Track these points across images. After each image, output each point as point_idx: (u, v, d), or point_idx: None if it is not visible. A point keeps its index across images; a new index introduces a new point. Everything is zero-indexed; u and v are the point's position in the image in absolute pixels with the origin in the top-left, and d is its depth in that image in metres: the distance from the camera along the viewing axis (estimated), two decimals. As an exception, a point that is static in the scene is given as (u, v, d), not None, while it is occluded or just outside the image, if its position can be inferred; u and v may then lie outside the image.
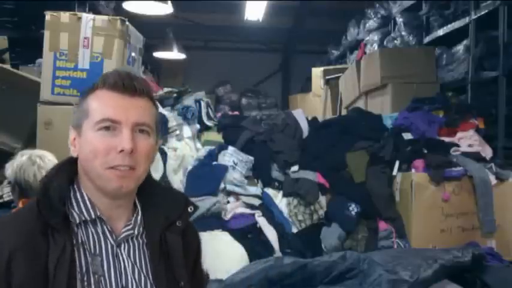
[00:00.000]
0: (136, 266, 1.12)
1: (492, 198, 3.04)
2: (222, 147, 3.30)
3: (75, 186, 1.13)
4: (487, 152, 3.33)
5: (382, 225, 3.03)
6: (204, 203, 2.85)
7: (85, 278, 1.05)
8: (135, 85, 1.10)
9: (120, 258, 1.11)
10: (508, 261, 2.85)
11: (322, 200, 3.13)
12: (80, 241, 1.08)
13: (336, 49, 8.17)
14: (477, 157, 3.21)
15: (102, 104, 1.09)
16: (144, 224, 1.16)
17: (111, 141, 1.07)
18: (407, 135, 3.40)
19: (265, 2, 6.66)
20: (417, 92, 4.07)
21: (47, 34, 3.16)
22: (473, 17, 4.07)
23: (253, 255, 2.69)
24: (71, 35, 3.13)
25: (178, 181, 3.15)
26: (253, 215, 2.96)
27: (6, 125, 3.39)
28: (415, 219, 3.00)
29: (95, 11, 5.26)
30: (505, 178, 3.13)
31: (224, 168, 3.12)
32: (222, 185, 3.06)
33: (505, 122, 3.76)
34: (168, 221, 1.17)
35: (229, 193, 3.08)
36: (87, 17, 3.17)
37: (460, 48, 4.32)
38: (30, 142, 3.24)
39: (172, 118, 3.53)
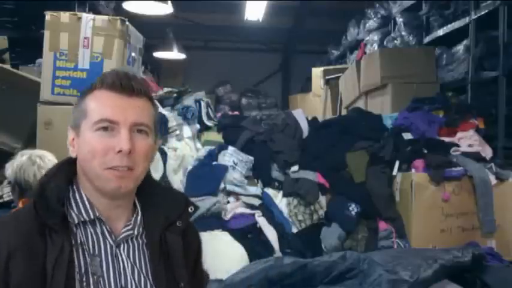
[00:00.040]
0: (136, 267, 1.11)
1: (492, 198, 3.04)
2: (222, 147, 3.30)
3: (74, 187, 1.13)
4: (487, 152, 3.33)
5: (382, 225, 3.03)
6: (204, 203, 2.85)
7: (84, 279, 1.05)
8: (132, 85, 1.10)
9: (120, 258, 1.10)
10: (508, 261, 2.85)
11: (322, 200, 3.13)
12: (79, 241, 1.08)
13: (336, 49, 8.17)
14: (477, 157, 3.21)
15: (100, 104, 1.09)
16: (144, 224, 1.16)
17: (109, 141, 1.06)
18: (407, 135, 3.40)
19: (265, 2, 6.66)
20: (417, 92, 4.07)
21: (47, 34, 3.16)
22: (473, 17, 4.07)
23: (253, 255, 2.69)
24: (71, 35, 3.14)
25: (178, 181, 3.15)
26: (253, 215, 2.96)
27: (6, 125, 3.39)
28: (415, 219, 2.99)
29: (95, 11, 5.26)
30: (505, 178, 3.13)
31: (224, 168, 3.12)
32: (222, 185, 3.06)
33: (505, 122, 3.76)
34: (168, 221, 1.16)
35: (229, 193, 3.08)
36: (87, 17, 3.17)
37: (460, 48, 4.32)
38: (30, 142, 3.24)
39: (172, 118, 3.52)
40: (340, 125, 3.64)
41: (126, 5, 4.64)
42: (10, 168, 2.34)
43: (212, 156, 3.24)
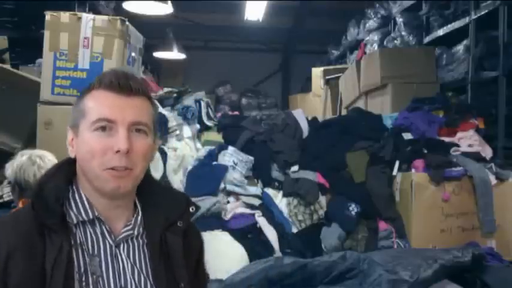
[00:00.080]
0: (136, 267, 1.11)
1: (492, 198, 3.04)
2: (222, 147, 3.30)
3: (74, 187, 1.13)
4: (487, 152, 3.33)
5: (382, 225, 3.03)
6: (204, 203, 2.85)
7: (83, 278, 1.05)
8: (130, 84, 1.10)
9: (119, 258, 1.10)
10: (508, 261, 2.85)
11: (322, 200, 3.13)
12: (78, 241, 1.08)
13: (336, 49, 8.17)
14: (477, 157, 3.21)
15: (98, 103, 1.09)
16: (144, 225, 1.15)
17: (108, 141, 1.06)
18: (407, 135, 3.40)
19: (265, 2, 6.66)
20: (417, 92, 4.07)
21: (47, 34, 3.15)
22: (473, 17, 4.07)
23: (253, 255, 2.69)
24: (71, 35, 3.13)
25: (178, 181, 3.15)
26: (253, 215, 2.96)
27: (6, 125, 3.39)
28: (415, 219, 2.99)
29: (95, 11, 5.26)
30: (505, 178, 3.13)
31: (224, 168, 3.12)
32: (222, 185, 3.06)
33: (505, 122, 3.76)
34: (169, 222, 1.16)
35: (229, 193, 3.08)
36: (87, 17, 3.17)
37: (460, 48, 4.32)
38: (30, 142, 3.24)
39: (172, 118, 3.53)
40: (340, 125, 3.64)
41: (126, 5, 4.64)
42: (10, 168, 2.34)
43: (212, 156, 3.24)
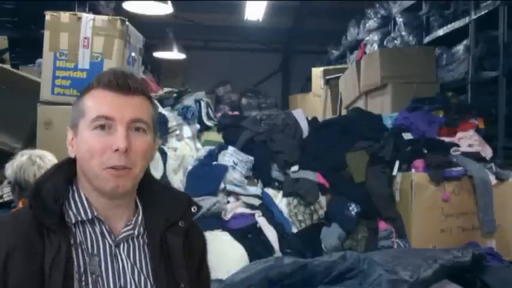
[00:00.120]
0: (136, 267, 1.11)
1: (492, 198, 3.04)
2: (222, 147, 3.30)
3: (74, 187, 1.13)
4: (487, 152, 3.33)
5: (382, 225, 3.03)
6: (204, 203, 2.85)
7: (83, 278, 1.05)
8: (129, 83, 1.10)
9: (119, 258, 1.10)
10: (508, 261, 2.85)
11: (322, 200, 3.13)
12: (78, 241, 1.08)
13: (336, 49, 8.17)
14: (477, 157, 3.21)
15: (97, 102, 1.09)
16: (145, 225, 1.15)
17: (107, 140, 1.06)
18: (407, 135, 3.40)
19: (265, 2, 6.66)
20: (417, 92, 4.07)
21: (47, 34, 3.15)
22: (473, 17, 4.07)
23: (253, 255, 2.69)
24: (71, 35, 3.13)
25: (178, 181, 3.15)
26: (253, 215, 2.96)
27: (6, 125, 3.39)
28: (415, 219, 2.99)
29: (95, 11, 5.26)
30: (505, 178, 3.13)
31: (224, 168, 3.12)
32: (222, 185, 3.06)
33: (505, 122, 3.76)
34: (169, 222, 1.16)
35: (229, 193, 3.09)
36: (87, 17, 3.17)
37: (460, 48, 4.32)
38: (30, 142, 3.24)
39: (172, 118, 3.53)
40: (340, 125, 3.64)
41: (126, 5, 4.64)
42: (10, 168, 2.34)
43: (212, 156, 3.24)
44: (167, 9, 4.66)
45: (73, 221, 1.09)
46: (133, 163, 1.08)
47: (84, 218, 1.09)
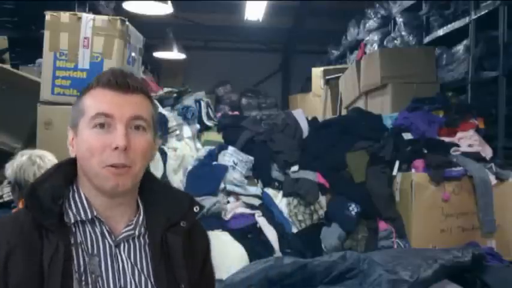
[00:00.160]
0: (137, 267, 1.11)
1: (492, 198, 3.04)
2: (222, 147, 3.30)
3: (75, 187, 1.13)
4: (487, 152, 3.33)
5: (382, 225, 3.03)
6: (204, 203, 2.84)
7: (83, 278, 1.05)
8: (128, 82, 1.10)
9: (119, 258, 1.10)
10: (508, 261, 2.85)
11: (322, 200, 3.13)
12: (78, 241, 1.08)
13: (336, 49, 8.17)
14: (477, 157, 3.21)
15: (97, 100, 1.09)
16: (146, 225, 1.15)
17: (106, 138, 1.06)
18: (407, 135, 3.40)
19: (265, 2, 6.66)
20: (417, 92, 4.07)
21: (47, 34, 3.15)
22: (473, 17, 4.07)
23: (253, 255, 2.69)
24: (71, 35, 3.13)
25: (178, 181, 3.15)
26: (253, 215, 2.96)
27: (6, 125, 3.39)
28: (415, 219, 2.99)
29: (95, 11, 5.26)
30: (505, 178, 3.13)
31: (224, 168, 3.12)
32: (222, 185, 3.06)
33: (505, 122, 3.76)
34: (170, 222, 1.15)
35: (229, 193, 3.09)
36: (87, 17, 3.17)
37: (460, 48, 4.32)
38: (30, 142, 3.24)
39: (172, 118, 3.53)
40: (340, 125, 3.64)
41: (126, 5, 4.64)
42: (10, 168, 2.34)
43: (212, 156, 3.24)
44: (167, 9, 4.66)
45: (72, 221, 1.09)
46: (132, 161, 1.08)
47: (84, 218, 1.09)
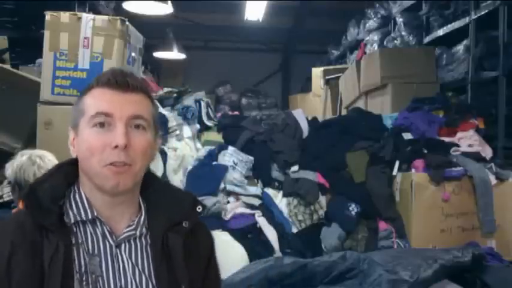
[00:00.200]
0: (138, 267, 1.11)
1: (492, 198, 3.04)
2: (222, 147, 3.30)
3: (76, 187, 1.13)
4: (487, 152, 3.33)
5: (382, 225, 3.03)
6: (204, 203, 2.84)
7: (83, 278, 1.05)
8: (127, 81, 1.10)
9: (120, 258, 1.10)
10: (508, 261, 2.85)
11: (322, 200, 3.13)
12: (79, 241, 1.08)
13: (336, 49, 8.17)
14: (477, 157, 3.21)
15: (97, 100, 1.10)
16: (147, 225, 1.15)
17: (106, 137, 1.07)
18: (407, 135, 3.40)
19: (265, 2, 6.66)
20: (417, 92, 4.07)
21: (47, 34, 3.15)
22: (473, 17, 4.07)
23: (253, 255, 2.69)
24: (71, 35, 3.13)
25: (178, 181, 3.15)
26: (253, 215, 2.96)
27: (6, 125, 3.39)
28: (415, 219, 2.99)
29: (95, 11, 5.26)
30: (505, 178, 3.13)
31: (224, 168, 3.12)
32: (222, 185, 3.06)
33: (505, 122, 3.76)
34: (171, 222, 1.15)
35: (229, 193, 3.09)
36: (87, 17, 3.17)
37: (460, 48, 4.32)
38: (30, 142, 3.24)
39: (172, 118, 3.53)
40: (340, 125, 3.64)
41: (126, 5, 4.64)
42: (10, 168, 2.34)
43: (212, 156, 3.24)
44: (167, 9, 4.66)
45: (72, 221, 1.09)
46: (133, 160, 1.08)
47: (84, 218, 1.09)
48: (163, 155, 3.17)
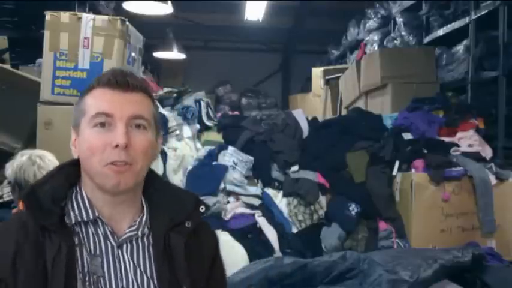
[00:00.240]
0: (140, 268, 1.11)
1: (492, 198, 3.04)
2: (222, 147, 3.30)
3: (77, 188, 1.13)
4: (487, 152, 3.33)
5: (382, 225, 3.03)
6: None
7: (86, 278, 1.05)
8: (128, 80, 1.11)
9: (121, 259, 1.10)
10: (508, 261, 2.85)
11: (322, 200, 3.13)
12: (81, 242, 1.08)
13: (336, 49, 8.17)
14: (477, 157, 3.21)
15: (97, 100, 1.10)
16: (150, 225, 1.15)
17: (107, 136, 1.07)
18: (407, 135, 3.40)
19: (265, 2, 6.66)
20: (417, 92, 4.07)
21: (47, 34, 3.16)
22: (473, 17, 4.07)
23: (253, 255, 2.69)
24: (71, 35, 3.13)
25: (178, 181, 3.15)
26: (253, 215, 2.96)
27: (6, 125, 3.39)
28: (415, 219, 2.99)
29: (95, 11, 5.26)
30: (505, 178, 3.13)
31: (224, 168, 3.12)
32: (222, 185, 3.06)
33: (505, 122, 3.76)
34: (174, 222, 1.15)
35: (229, 193, 3.08)
36: (87, 17, 3.17)
37: (460, 48, 4.32)
38: (30, 142, 3.25)
39: (172, 118, 3.53)
40: (340, 125, 3.64)
41: (126, 5, 4.64)
42: (10, 168, 2.34)
43: (212, 156, 3.24)
44: (167, 9, 4.66)
45: (73, 222, 1.09)
46: (133, 159, 1.08)
47: (86, 219, 1.09)
48: (163, 155, 3.17)
